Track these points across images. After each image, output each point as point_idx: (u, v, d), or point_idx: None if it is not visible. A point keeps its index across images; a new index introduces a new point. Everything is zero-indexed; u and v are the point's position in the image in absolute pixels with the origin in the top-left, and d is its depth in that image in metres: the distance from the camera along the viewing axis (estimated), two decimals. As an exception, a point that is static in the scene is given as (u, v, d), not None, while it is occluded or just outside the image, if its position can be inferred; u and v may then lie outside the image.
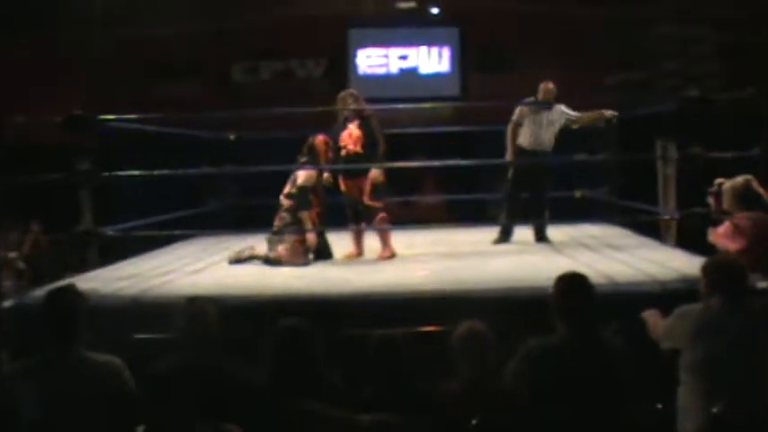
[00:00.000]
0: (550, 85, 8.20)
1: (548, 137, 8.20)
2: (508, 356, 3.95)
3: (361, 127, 7.43)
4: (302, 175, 7.25)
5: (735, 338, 3.97)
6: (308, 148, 7.40)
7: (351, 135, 7.42)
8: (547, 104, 8.12)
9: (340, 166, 7.51)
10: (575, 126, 8.29)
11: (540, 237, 8.23)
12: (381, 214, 7.48)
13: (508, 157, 8.32)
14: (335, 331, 4.73)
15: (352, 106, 7.51)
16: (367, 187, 7.43)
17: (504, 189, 8.38)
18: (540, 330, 3.98)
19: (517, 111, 8.26)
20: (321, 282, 6.15)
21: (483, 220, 10.62)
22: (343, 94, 7.72)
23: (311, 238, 7.12)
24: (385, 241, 7.55)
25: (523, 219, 8.39)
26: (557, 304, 3.97)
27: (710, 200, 6.69)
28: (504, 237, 8.27)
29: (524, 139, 8.21)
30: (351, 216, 7.60)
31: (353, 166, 7.41)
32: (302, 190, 7.21)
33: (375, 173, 7.40)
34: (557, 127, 8.20)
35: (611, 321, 4.42)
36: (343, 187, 7.61)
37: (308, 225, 7.13)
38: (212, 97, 13.39)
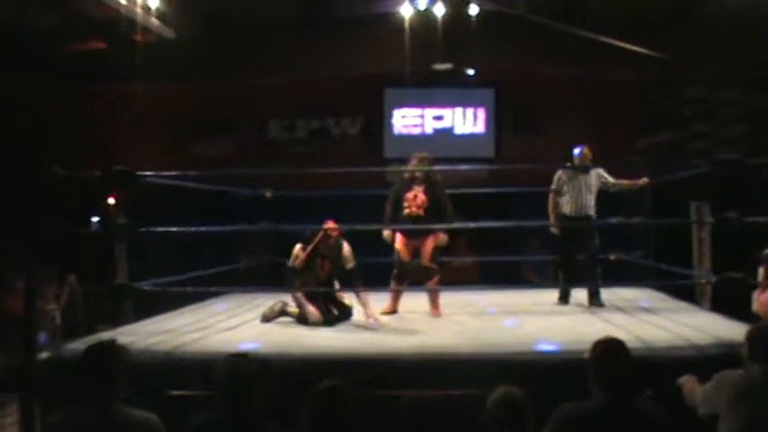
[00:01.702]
0: (585, 149, 8.20)
1: (589, 201, 8.14)
2: (541, 422, 3.90)
3: (426, 192, 7.51)
4: (291, 256, 7.21)
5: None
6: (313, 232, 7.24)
7: (416, 198, 7.51)
8: (584, 169, 8.09)
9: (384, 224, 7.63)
10: (611, 190, 8.26)
11: (595, 301, 7.99)
12: (437, 276, 7.56)
13: (552, 225, 8.31)
14: (369, 391, 4.71)
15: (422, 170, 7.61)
16: (429, 248, 7.53)
17: (557, 254, 8.39)
18: (574, 396, 3.94)
19: (555, 178, 8.24)
20: (355, 342, 6.15)
21: (517, 281, 10.60)
22: (421, 155, 7.81)
23: (313, 311, 7.00)
24: (435, 302, 7.58)
25: (578, 282, 8.24)
26: (593, 370, 3.91)
27: (762, 268, 6.60)
28: (565, 300, 8.24)
29: (566, 206, 8.16)
30: (396, 275, 7.62)
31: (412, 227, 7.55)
32: (289, 270, 7.21)
33: (442, 237, 7.58)
34: (594, 190, 8.17)
35: (646, 387, 4.38)
36: (398, 246, 7.65)
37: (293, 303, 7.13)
38: (248, 154, 13.49)
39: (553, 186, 8.26)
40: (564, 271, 8.40)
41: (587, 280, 8.09)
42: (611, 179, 8.23)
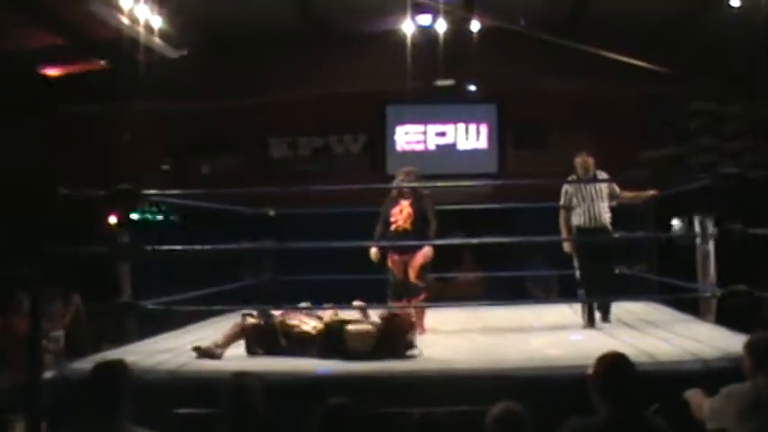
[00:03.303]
0: (585, 157, 7.98)
1: (602, 209, 7.88)
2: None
3: (413, 205, 7.50)
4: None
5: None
6: None
7: (402, 211, 7.51)
8: (588, 180, 7.89)
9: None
10: (616, 200, 8.08)
11: (605, 316, 7.83)
12: (424, 294, 7.52)
13: (565, 243, 8.04)
14: (375, 409, 4.69)
15: (411, 184, 7.56)
16: (416, 265, 7.48)
17: (580, 272, 7.95)
18: (580, 412, 3.92)
19: (562, 193, 8.01)
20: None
21: (521, 296, 10.58)
22: (408, 169, 7.78)
23: None
24: (420, 320, 7.53)
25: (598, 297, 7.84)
26: (598, 385, 3.89)
27: None
28: (592, 320, 7.73)
29: (579, 219, 7.90)
30: (393, 292, 7.60)
31: (402, 243, 7.47)
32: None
33: (428, 251, 7.47)
34: (606, 197, 7.91)
35: (653, 401, 4.36)
36: (389, 263, 7.64)
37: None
38: (250, 172, 13.49)
39: (561, 202, 7.99)
40: (586, 287, 7.88)
41: (600, 294, 7.80)
42: (617, 189, 8.02)
